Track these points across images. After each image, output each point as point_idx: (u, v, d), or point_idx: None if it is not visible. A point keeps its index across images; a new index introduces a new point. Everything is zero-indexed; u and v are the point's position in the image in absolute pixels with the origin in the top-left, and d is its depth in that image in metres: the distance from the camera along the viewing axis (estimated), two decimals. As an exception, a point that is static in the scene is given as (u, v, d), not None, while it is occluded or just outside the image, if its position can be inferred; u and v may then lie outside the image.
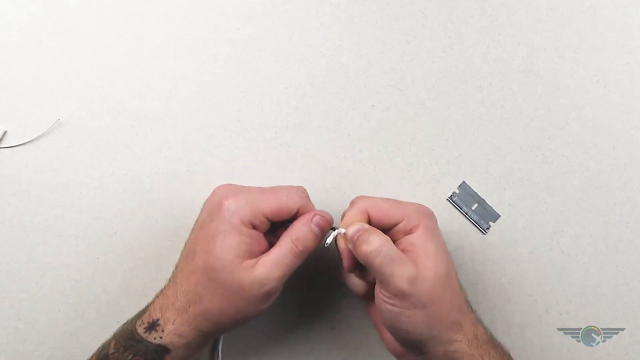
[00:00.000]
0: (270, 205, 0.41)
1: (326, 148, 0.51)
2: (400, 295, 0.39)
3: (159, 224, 0.50)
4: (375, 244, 0.40)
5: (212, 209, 0.41)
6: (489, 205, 0.52)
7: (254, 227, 0.41)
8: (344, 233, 0.42)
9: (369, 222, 0.43)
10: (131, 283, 0.50)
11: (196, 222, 0.43)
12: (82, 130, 0.50)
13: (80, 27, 0.51)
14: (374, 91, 0.52)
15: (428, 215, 0.43)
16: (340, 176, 0.51)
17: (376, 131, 0.52)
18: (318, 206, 0.51)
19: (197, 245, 0.41)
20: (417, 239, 0.41)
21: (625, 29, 0.53)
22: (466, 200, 0.51)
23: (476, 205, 0.51)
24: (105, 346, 0.42)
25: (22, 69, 0.50)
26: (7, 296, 0.49)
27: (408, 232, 0.42)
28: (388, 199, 0.44)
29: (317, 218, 0.42)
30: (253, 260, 0.41)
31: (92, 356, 0.42)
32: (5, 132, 0.50)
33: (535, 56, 0.52)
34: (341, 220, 0.44)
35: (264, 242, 0.42)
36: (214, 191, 0.43)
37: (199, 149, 0.51)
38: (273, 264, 0.41)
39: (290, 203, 0.42)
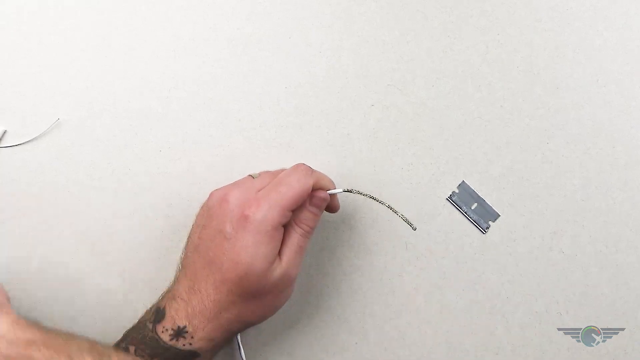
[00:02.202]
0: (290, 199, 0.42)
1: (326, 148, 0.51)
2: None
3: (159, 224, 0.50)
4: None
5: (234, 221, 0.41)
6: (489, 205, 0.52)
7: (283, 225, 0.42)
8: None
9: None
10: (131, 283, 0.50)
11: (209, 227, 0.42)
12: (82, 130, 0.50)
13: (80, 27, 0.51)
14: (374, 91, 0.52)
15: None
16: (340, 176, 0.51)
17: (376, 131, 0.52)
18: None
19: (223, 256, 0.41)
20: None
21: (625, 29, 0.53)
22: (466, 200, 0.51)
23: (476, 204, 0.51)
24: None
25: (22, 69, 0.50)
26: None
27: None
28: None
29: (314, 200, 0.44)
30: (278, 258, 0.42)
31: None
32: (5, 132, 0.50)
33: (535, 56, 0.52)
34: None
35: (282, 233, 0.43)
36: (224, 199, 0.42)
37: (198, 149, 0.51)
38: (292, 254, 0.43)
39: (305, 187, 0.43)
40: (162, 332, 0.41)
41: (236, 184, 0.45)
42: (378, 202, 0.46)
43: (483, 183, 0.52)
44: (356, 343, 0.51)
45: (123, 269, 0.50)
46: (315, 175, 0.45)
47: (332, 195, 0.46)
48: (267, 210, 0.41)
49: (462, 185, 0.52)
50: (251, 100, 0.51)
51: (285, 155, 0.51)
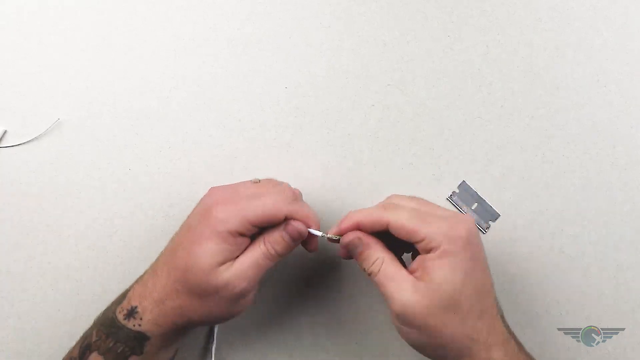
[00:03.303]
0: (256, 215, 0.41)
1: (326, 148, 0.51)
2: (396, 317, 0.41)
3: (159, 224, 0.50)
4: (372, 259, 0.42)
5: (201, 213, 0.42)
6: (489, 205, 0.52)
7: (241, 234, 0.42)
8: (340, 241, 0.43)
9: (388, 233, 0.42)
10: (131, 283, 0.50)
11: (187, 218, 0.44)
12: (82, 130, 0.50)
13: (80, 27, 0.51)
14: (374, 91, 0.52)
15: (455, 238, 0.40)
16: (340, 176, 0.51)
17: (376, 131, 0.52)
18: (318, 205, 0.51)
19: (181, 245, 0.42)
20: (430, 262, 0.40)
21: (625, 29, 0.53)
22: (466, 200, 0.51)
23: (476, 204, 0.51)
24: (87, 335, 0.43)
25: (22, 69, 0.50)
26: (7, 296, 0.49)
27: (428, 251, 0.40)
28: (417, 212, 0.42)
29: (289, 227, 0.43)
30: (229, 263, 0.41)
31: (74, 345, 0.44)
32: (5, 132, 0.50)
33: (535, 56, 0.52)
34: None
35: (246, 245, 0.42)
36: (208, 193, 0.44)
37: (199, 148, 0.51)
38: (246, 266, 0.41)
39: (276, 211, 0.42)
40: (119, 312, 0.42)
41: (232, 184, 0.45)
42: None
43: (483, 183, 0.52)
44: (356, 343, 0.51)
45: (123, 269, 0.50)
46: (297, 207, 0.43)
47: (312, 235, 0.44)
48: (228, 213, 0.41)
49: (463, 185, 0.52)
50: (251, 100, 0.51)
51: (285, 155, 0.51)
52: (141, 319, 0.42)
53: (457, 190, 0.51)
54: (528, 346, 0.49)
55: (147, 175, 0.51)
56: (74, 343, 0.48)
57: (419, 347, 0.41)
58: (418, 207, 0.42)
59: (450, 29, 0.52)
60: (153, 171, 0.51)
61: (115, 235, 0.50)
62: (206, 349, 0.50)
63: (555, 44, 0.53)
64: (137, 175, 0.50)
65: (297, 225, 0.43)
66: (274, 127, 0.51)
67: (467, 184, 0.52)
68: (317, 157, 0.51)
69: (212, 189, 0.45)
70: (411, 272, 0.41)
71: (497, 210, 0.52)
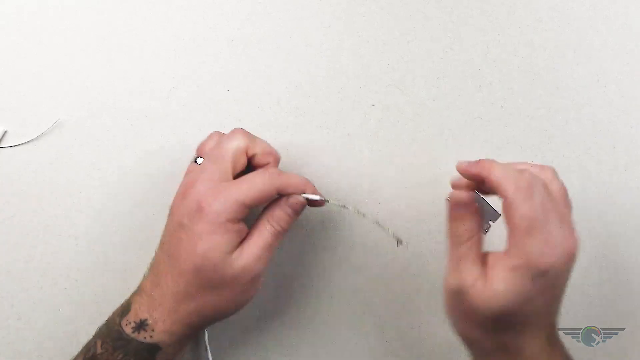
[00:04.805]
0: (249, 197, 0.41)
1: (326, 148, 0.51)
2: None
3: (159, 224, 0.50)
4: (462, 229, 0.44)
5: (191, 211, 0.41)
6: (489, 205, 0.51)
7: (239, 220, 0.42)
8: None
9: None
10: (131, 283, 0.50)
11: (171, 222, 0.43)
12: (82, 130, 0.50)
13: (80, 27, 0.51)
14: (374, 91, 0.52)
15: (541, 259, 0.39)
16: (340, 176, 0.51)
17: (376, 131, 0.52)
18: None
19: (181, 248, 0.41)
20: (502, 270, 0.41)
21: (625, 29, 0.53)
22: (466, 200, 0.51)
23: (476, 204, 0.51)
24: (89, 347, 0.42)
25: (22, 69, 0.50)
26: (7, 296, 0.49)
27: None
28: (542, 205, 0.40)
29: (291, 202, 0.43)
30: (238, 250, 0.41)
31: (77, 357, 0.43)
32: (5, 132, 0.50)
33: (535, 56, 0.52)
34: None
35: (245, 228, 0.43)
36: (184, 195, 0.42)
37: (199, 149, 0.51)
38: (258, 249, 0.42)
39: (269, 187, 0.42)
40: (126, 325, 0.42)
41: (192, 176, 0.44)
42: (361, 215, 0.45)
43: (483, 183, 0.52)
44: (356, 343, 0.51)
45: (123, 269, 0.50)
46: (286, 179, 0.43)
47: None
48: (223, 203, 0.40)
49: (462, 185, 0.51)
50: (251, 100, 0.51)
51: (286, 155, 0.51)
52: (153, 330, 0.41)
53: (457, 190, 0.51)
54: (528, 346, 0.48)
55: (147, 176, 0.51)
56: (74, 343, 0.48)
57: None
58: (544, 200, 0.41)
59: (450, 29, 0.52)
60: (153, 171, 0.51)
61: (115, 235, 0.50)
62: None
63: (555, 44, 0.53)
64: (137, 176, 0.50)
65: (297, 200, 0.43)
66: (274, 127, 0.51)
67: (467, 184, 0.51)
68: (317, 157, 0.51)
69: (179, 192, 0.43)
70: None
71: (497, 210, 0.51)
